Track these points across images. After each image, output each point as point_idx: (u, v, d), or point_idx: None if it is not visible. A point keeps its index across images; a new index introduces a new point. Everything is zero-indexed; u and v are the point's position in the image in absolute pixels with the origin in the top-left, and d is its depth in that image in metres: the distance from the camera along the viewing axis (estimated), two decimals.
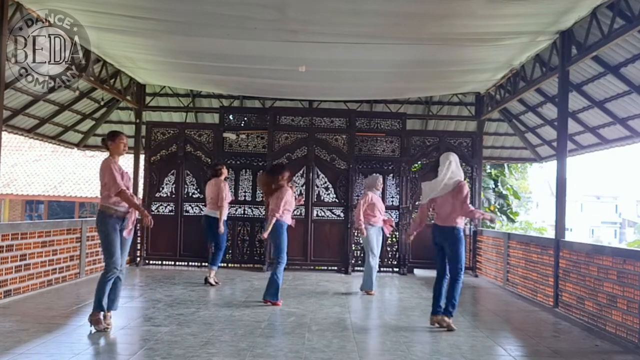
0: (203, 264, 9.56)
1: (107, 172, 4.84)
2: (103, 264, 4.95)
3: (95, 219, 5.03)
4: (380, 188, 7.57)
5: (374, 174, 8.10)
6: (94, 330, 4.77)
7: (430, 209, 5.68)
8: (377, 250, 7.40)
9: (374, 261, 7.36)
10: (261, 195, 9.46)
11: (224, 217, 7.65)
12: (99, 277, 4.88)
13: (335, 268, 9.77)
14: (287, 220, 6.38)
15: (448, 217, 5.40)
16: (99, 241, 4.98)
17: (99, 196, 5.01)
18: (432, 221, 5.62)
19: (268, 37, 6.85)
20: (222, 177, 7.82)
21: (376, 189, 7.47)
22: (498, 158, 12.52)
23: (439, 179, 5.47)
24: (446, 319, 5.37)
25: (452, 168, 5.46)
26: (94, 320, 4.82)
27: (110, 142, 4.96)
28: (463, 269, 5.39)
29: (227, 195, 7.69)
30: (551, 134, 9.68)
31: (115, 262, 4.81)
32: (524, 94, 8.67)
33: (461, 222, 5.43)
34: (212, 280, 7.57)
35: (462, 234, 5.42)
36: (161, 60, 8.40)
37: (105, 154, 5.09)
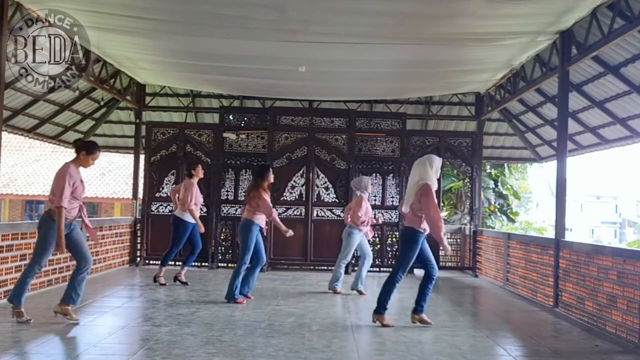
0: (203, 263, 9.57)
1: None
2: (80, 262, 5.18)
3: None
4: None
5: (362, 176, 7.87)
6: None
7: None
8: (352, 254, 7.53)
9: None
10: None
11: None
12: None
13: None
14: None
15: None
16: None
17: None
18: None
19: (268, 37, 6.86)
20: (195, 179, 7.62)
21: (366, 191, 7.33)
22: (498, 158, 12.53)
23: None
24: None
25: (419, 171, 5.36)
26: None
27: (88, 153, 5.05)
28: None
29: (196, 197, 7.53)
30: (551, 134, 9.68)
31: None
32: (524, 94, 8.67)
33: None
34: (183, 279, 7.55)
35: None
36: (161, 60, 8.41)
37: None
